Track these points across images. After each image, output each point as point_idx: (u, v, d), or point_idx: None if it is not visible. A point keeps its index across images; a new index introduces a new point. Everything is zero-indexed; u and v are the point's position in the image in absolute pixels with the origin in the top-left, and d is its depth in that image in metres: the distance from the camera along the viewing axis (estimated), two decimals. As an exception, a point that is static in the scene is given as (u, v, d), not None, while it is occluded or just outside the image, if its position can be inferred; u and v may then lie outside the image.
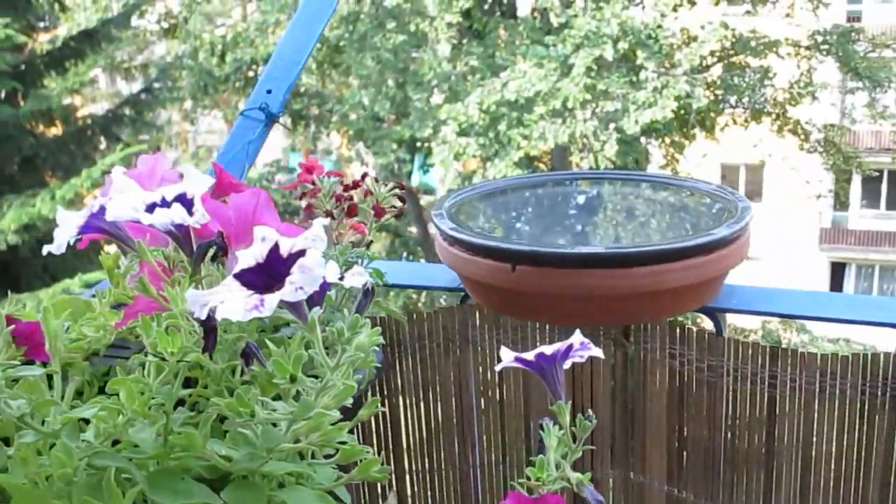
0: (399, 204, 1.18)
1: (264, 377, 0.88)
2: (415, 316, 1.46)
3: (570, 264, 1.20)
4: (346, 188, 1.17)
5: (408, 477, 1.52)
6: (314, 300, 0.88)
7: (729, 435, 1.35)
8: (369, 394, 1.47)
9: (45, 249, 0.86)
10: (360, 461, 0.84)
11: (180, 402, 0.81)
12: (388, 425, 1.50)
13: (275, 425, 0.78)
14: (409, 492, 1.52)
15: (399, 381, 1.48)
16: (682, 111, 9.83)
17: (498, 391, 1.47)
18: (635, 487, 1.44)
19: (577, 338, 0.84)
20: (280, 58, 1.67)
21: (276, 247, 0.75)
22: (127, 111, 9.38)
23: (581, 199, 1.58)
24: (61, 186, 7.89)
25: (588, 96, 9.19)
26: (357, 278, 0.90)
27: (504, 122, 9.43)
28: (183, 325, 0.79)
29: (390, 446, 1.51)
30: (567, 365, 0.85)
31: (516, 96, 9.23)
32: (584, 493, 0.83)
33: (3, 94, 8.58)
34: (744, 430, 1.34)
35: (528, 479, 0.80)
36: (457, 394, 1.47)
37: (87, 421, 0.77)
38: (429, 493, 1.52)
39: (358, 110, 10.80)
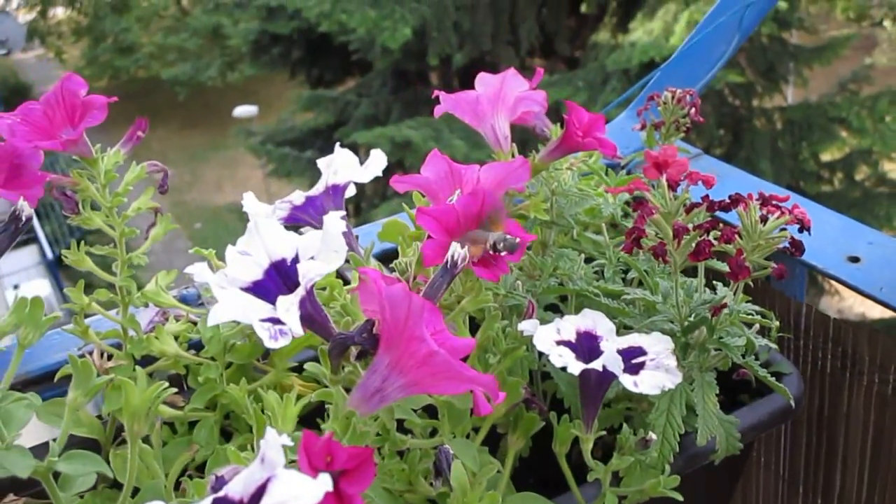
0: (793, 250, 0.74)
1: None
2: (880, 338, 0.99)
3: None
4: (712, 207, 0.77)
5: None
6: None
7: None
8: (807, 412, 1.09)
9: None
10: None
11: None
12: (823, 454, 1.10)
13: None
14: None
15: (846, 407, 1.05)
16: None
17: None
18: None
19: None
20: None
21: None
22: None
23: None
24: None
25: None
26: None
27: None
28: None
29: (819, 483, 1.11)
30: None
31: None
32: None
33: None
34: None
35: None
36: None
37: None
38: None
39: None
